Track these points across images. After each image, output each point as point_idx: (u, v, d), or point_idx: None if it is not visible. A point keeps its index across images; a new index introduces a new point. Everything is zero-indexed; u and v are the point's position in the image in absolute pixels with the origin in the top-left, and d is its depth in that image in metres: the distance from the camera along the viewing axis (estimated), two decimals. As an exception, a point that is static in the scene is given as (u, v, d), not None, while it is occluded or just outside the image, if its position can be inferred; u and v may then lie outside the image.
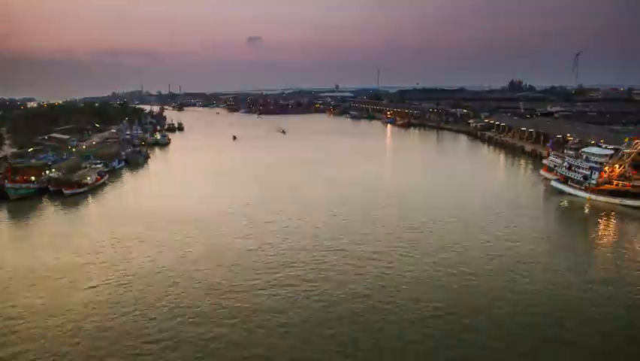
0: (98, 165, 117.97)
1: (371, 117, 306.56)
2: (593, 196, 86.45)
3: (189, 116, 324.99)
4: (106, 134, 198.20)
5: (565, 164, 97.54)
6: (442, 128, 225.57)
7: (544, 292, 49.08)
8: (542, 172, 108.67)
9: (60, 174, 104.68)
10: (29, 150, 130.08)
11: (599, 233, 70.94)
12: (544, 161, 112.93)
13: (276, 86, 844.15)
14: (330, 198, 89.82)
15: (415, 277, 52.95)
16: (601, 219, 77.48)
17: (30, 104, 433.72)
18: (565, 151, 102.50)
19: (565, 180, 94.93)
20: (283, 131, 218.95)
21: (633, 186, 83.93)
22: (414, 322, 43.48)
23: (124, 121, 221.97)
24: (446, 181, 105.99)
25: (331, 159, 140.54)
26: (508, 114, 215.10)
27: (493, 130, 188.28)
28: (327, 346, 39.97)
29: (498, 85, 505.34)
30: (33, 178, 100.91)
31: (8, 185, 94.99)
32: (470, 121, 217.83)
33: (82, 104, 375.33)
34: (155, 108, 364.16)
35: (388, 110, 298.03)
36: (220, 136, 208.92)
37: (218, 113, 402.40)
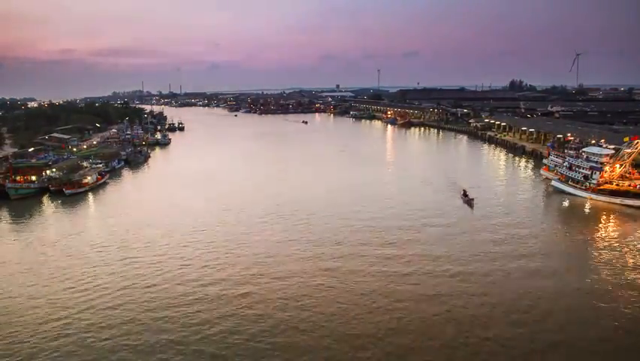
0: (98, 165, 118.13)
1: (371, 117, 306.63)
2: (594, 196, 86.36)
3: (189, 115, 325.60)
4: (106, 134, 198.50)
5: (565, 164, 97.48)
6: (443, 128, 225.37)
7: (543, 292, 49.08)
8: (543, 172, 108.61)
9: (61, 173, 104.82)
10: (30, 150, 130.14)
11: (600, 233, 70.73)
12: (545, 161, 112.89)
13: (276, 86, 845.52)
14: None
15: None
16: (602, 219, 77.40)
17: (31, 104, 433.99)
18: (565, 151, 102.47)
19: (565, 179, 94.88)
20: None
21: (635, 186, 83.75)
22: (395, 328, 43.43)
23: (124, 121, 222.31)
24: (446, 180, 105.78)
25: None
26: (509, 114, 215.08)
27: (494, 130, 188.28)
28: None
29: (498, 85, 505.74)
30: (34, 178, 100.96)
31: (9, 185, 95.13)
32: (471, 121, 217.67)
33: (82, 104, 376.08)
34: (156, 108, 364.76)
35: (389, 110, 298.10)
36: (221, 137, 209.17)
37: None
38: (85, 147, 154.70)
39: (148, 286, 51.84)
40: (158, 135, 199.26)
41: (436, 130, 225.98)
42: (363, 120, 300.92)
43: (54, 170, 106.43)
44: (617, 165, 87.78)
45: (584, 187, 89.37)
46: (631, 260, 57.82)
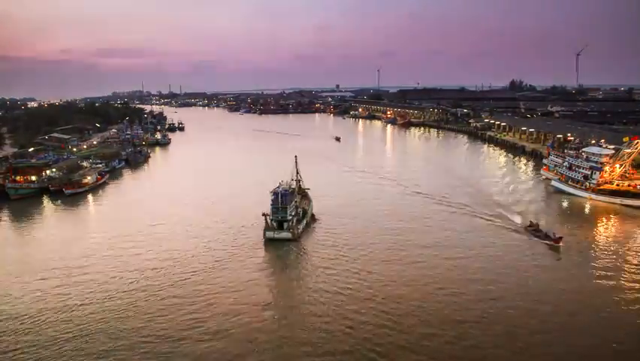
0: (98, 165, 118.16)
1: (371, 117, 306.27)
2: (594, 196, 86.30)
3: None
4: (106, 134, 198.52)
5: (565, 164, 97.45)
6: (443, 128, 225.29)
7: (542, 292, 49.09)
8: (543, 172, 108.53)
9: (61, 173, 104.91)
10: (30, 150, 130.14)
11: (600, 233, 70.66)
12: (545, 161, 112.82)
13: (276, 86, 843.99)
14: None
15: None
16: (601, 219, 77.30)
17: (31, 104, 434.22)
18: (565, 151, 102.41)
19: (565, 179, 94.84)
20: None
21: (635, 186, 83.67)
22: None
23: (124, 121, 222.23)
24: (446, 180, 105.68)
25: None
26: (509, 114, 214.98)
27: (494, 130, 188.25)
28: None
29: (498, 85, 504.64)
30: (34, 178, 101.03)
31: (9, 185, 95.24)
32: (471, 121, 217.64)
33: (82, 104, 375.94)
34: (156, 108, 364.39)
35: (389, 110, 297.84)
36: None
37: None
38: (85, 147, 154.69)
39: (151, 289, 51.93)
40: (158, 135, 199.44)
41: (436, 130, 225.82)
42: (363, 120, 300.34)
43: (54, 170, 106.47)
44: (617, 165, 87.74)
45: (583, 187, 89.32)
46: (630, 260, 57.74)
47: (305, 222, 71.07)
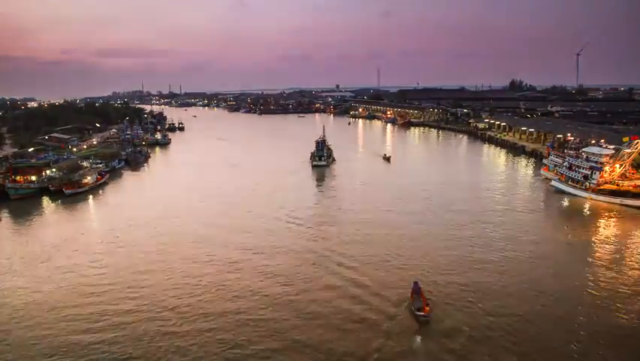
0: (98, 165, 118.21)
1: (372, 117, 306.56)
2: (594, 196, 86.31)
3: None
4: (106, 134, 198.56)
5: (565, 164, 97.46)
6: (443, 128, 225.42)
7: (541, 292, 49.12)
8: (542, 172, 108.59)
9: (61, 173, 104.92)
10: (30, 150, 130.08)
11: (600, 233, 70.62)
12: (545, 161, 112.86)
13: (276, 86, 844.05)
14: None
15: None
16: (601, 219, 77.29)
17: (30, 104, 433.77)
18: (565, 151, 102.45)
19: (565, 179, 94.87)
20: None
21: (636, 186, 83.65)
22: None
23: (124, 121, 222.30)
24: (446, 180, 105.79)
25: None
26: (509, 114, 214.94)
27: (494, 130, 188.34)
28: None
29: (498, 85, 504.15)
30: (33, 178, 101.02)
31: (9, 185, 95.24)
32: (471, 121, 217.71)
33: (82, 104, 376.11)
34: (156, 108, 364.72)
35: (389, 110, 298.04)
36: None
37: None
38: (85, 147, 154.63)
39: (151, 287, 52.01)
40: (158, 135, 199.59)
41: (435, 130, 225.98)
42: (363, 120, 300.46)
43: (54, 170, 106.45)
44: (617, 165, 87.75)
45: (583, 187, 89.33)
46: (630, 260, 57.76)
47: (331, 159, 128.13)
